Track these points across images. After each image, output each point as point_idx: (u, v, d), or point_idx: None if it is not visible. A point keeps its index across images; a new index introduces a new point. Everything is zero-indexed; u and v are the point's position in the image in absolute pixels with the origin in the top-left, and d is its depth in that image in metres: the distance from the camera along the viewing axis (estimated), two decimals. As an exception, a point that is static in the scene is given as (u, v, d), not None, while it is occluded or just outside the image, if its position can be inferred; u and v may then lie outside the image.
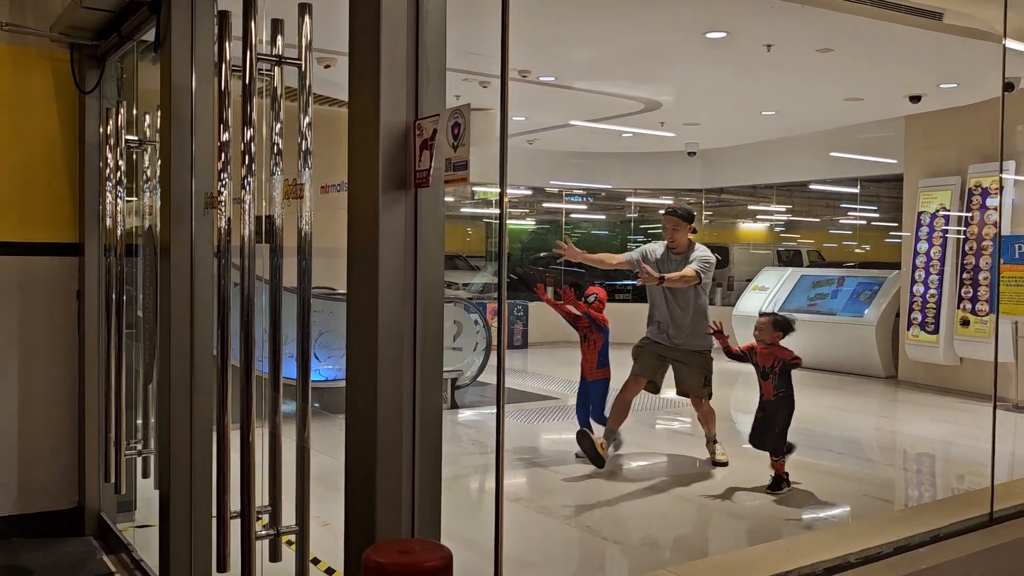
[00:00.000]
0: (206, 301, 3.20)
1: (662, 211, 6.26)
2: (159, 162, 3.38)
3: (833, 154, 11.71)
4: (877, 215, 16.80)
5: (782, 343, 5.46)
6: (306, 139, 2.54)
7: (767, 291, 11.64)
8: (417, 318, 1.86)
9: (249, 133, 2.46)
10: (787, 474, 5.35)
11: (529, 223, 25.61)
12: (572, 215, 18.30)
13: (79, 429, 4.51)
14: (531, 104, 8.95)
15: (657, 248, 6.10)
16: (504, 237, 1.99)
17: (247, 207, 2.45)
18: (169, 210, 3.14)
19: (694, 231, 5.97)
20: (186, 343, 3.17)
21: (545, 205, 18.61)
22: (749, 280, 18.27)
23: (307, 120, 2.54)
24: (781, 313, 5.82)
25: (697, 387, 5.93)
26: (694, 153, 11.59)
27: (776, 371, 5.34)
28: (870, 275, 10.93)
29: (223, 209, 2.67)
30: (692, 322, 5.88)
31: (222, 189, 2.65)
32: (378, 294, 1.79)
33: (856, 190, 14.02)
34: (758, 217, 20.21)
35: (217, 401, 2.79)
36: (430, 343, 1.88)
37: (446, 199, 3.17)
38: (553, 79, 7.59)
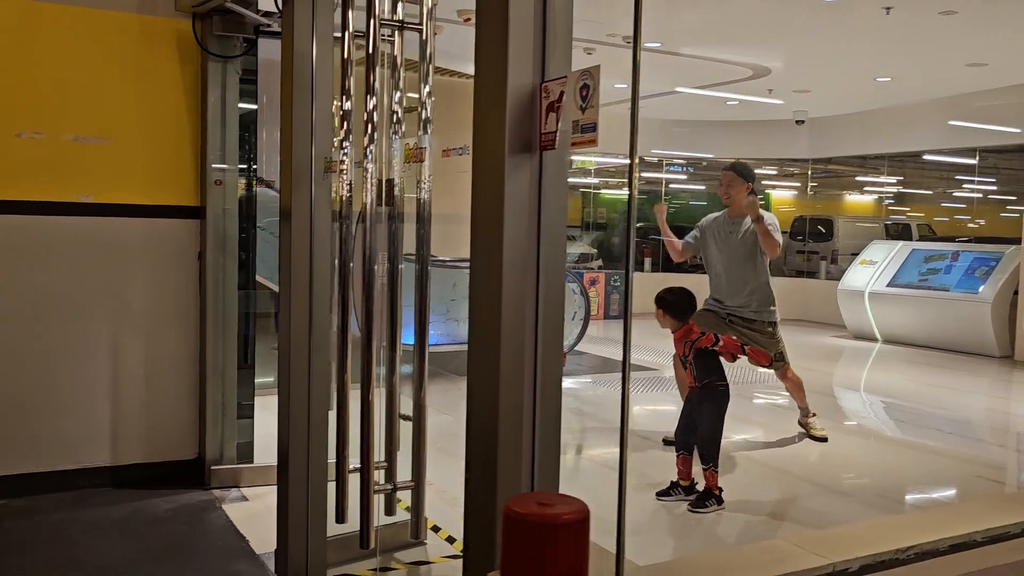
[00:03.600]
0: (324, 263, 3.29)
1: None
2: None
3: (952, 123, 11.17)
4: (995, 187, 16.03)
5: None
6: (426, 107, 2.58)
7: (875, 265, 11.26)
8: (540, 284, 1.87)
9: (373, 101, 2.51)
10: (720, 489, 4.50)
11: (626, 193, 25.40)
12: (672, 185, 18.02)
13: (200, 384, 4.73)
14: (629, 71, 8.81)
15: (713, 217, 5.65)
16: (633, 209, 1.96)
17: (370, 173, 2.51)
18: (290, 174, 3.23)
19: (752, 192, 5.42)
20: (304, 304, 3.26)
21: (644, 175, 18.39)
22: (854, 254, 17.73)
23: (427, 88, 2.58)
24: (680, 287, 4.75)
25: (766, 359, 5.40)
26: (802, 121, 11.26)
27: (690, 358, 4.57)
28: (987, 250, 10.46)
29: (344, 175, 2.73)
30: (751, 292, 5.48)
31: (344, 157, 2.72)
32: (502, 258, 1.82)
33: (974, 161, 13.39)
34: (866, 189, 19.53)
35: (338, 361, 2.88)
36: (552, 310, 1.89)
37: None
38: (659, 45, 7.46)
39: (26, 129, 4.31)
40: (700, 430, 4.52)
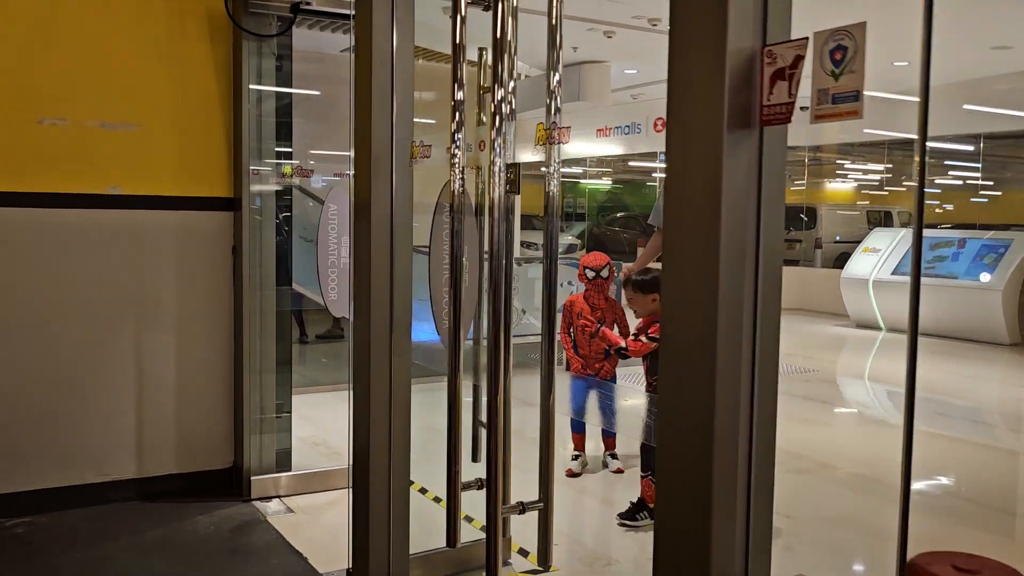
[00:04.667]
0: (405, 256, 3.01)
1: None
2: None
3: (966, 107, 10.99)
4: (979, 174, 16.08)
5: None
6: (555, 94, 2.33)
7: (879, 253, 11.16)
8: (759, 280, 1.62)
9: (501, 92, 2.26)
10: (641, 514, 4.01)
11: (605, 183, 25.20)
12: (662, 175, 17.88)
13: (235, 388, 4.41)
14: (645, 55, 8.58)
15: None
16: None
17: (498, 166, 2.25)
18: (369, 162, 2.94)
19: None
20: (385, 302, 2.99)
21: (632, 164, 18.19)
22: (839, 241, 17.72)
23: (557, 77, 2.34)
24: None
25: None
26: (806, 108, 11.04)
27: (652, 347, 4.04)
28: (994, 237, 10.40)
29: (456, 166, 2.47)
30: None
31: (456, 149, 2.46)
32: (719, 252, 1.56)
33: (970, 148, 13.36)
34: (849, 176, 19.54)
35: (450, 364, 2.61)
36: (770, 310, 1.65)
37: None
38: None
39: (48, 115, 3.96)
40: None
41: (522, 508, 2.36)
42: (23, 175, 3.95)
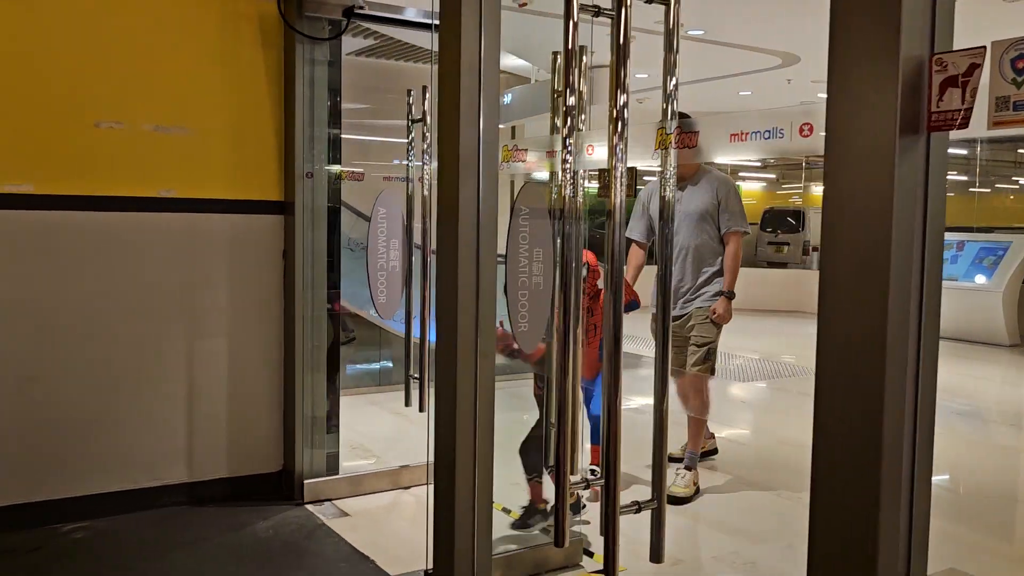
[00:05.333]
0: (490, 259, 3.03)
1: None
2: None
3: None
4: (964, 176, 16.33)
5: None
6: (673, 94, 2.37)
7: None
8: (924, 288, 1.67)
9: (623, 97, 2.30)
10: (546, 502, 3.86)
11: (592, 186, 25.32)
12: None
13: (285, 392, 4.41)
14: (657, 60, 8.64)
15: (651, 190, 4.72)
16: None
17: (619, 171, 2.28)
18: (456, 166, 2.96)
19: None
20: (471, 306, 3.01)
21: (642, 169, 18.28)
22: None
23: (674, 81, 2.38)
24: None
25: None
26: (809, 113, 11.21)
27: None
28: (992, 239, 10.59)
29: (567, 169, 2.50)
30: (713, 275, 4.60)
31: (568, 156, 2.49)
32: (890, 260, 1.61)
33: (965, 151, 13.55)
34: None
35: (560, 367, 2.64)
36: (931, 320, 1.69)
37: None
38: (702, 33, 7.29)
39: (105, 118, 3.95)
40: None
41: (638, 508, 2.39)
42: (79, 178, 3.93)
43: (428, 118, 4.49)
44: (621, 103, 2.33)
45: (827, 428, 1.75)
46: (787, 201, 19.63)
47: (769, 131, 2.04)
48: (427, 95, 4.49)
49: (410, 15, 4.53)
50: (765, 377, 8.66)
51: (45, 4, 3.82)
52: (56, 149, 3.88)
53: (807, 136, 2.02)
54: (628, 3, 2.39)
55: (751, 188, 20.10)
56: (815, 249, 15.75)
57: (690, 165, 4.45)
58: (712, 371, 4.57)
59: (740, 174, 17.73)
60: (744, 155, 2.12)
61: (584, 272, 4.39)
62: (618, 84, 2.34)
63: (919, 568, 1.74)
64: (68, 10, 3.87)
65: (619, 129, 2.31)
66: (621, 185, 2.30)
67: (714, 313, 4.45)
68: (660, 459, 2.41)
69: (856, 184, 1.70)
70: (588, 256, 4.57)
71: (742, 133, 2.12)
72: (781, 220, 17.88)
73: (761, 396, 7.97)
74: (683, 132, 2.25)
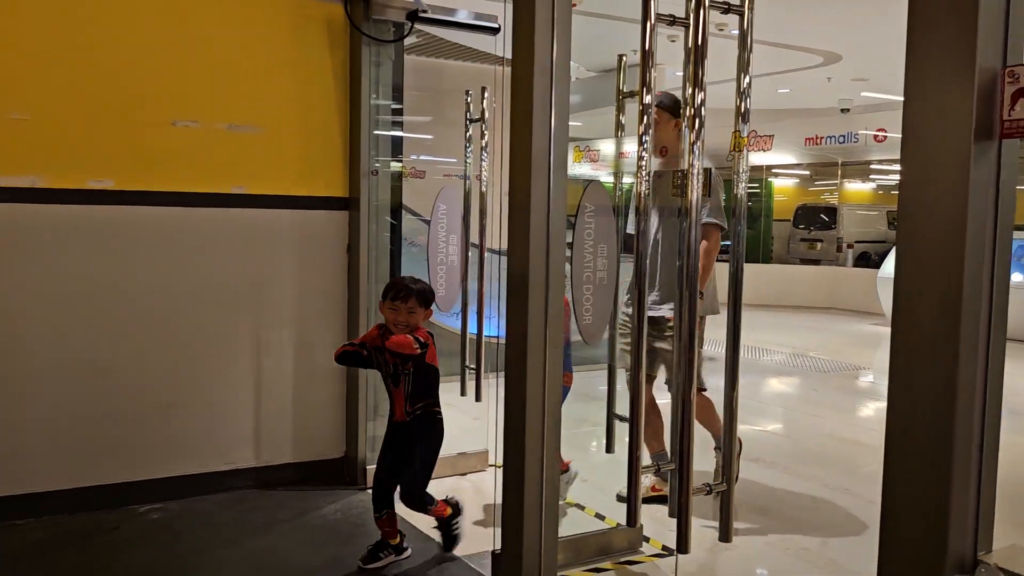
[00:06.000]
0: (559, 254, 3.17)
1: None
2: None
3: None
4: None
5: None
6: (747, 96, 2.50)
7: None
8: (994, 290, 1.80)
9: (701, 95, 2.43)
10: (402, 535, 3.69)
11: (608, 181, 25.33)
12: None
13: (347, 381, 4.59)
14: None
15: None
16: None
17: (696, 169, 2.42)
18: (528, 165, 3.10)
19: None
20: (541, 296, 3.15)
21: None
22: (860, 241, 17.86)
23: (747, 79, 2.51)
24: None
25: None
26: (847, 110, 11.25)
27: (408, 371, 3.55)
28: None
29: (643, 169, 2.65)
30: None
31: (644, 152, 2.64)
32: (963, 264, 1.73)
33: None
34: (870, 178, 19.66)
35: (634, 359, 2.79)
36: (999, 321, 1.82)
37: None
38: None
39: (181, 117, 4.14)
40: (409, 472, 3.58)
41: (709, 490, 2.53)
42: (157, 174, 4.12)
43: (486, 117, 4.65)
44: (699, 101, 2.45)
45: (901, 414, 1.88)
46: (820, 198, 19.54)
47: (843, 136, 2.16)
48: (485, 95, 4.65)
49: (466, 17, 4.68)
50: (800, 372, 8.75)
51: (125, 10, 4.01)
52: (136, 146, 4.07)
53: (881, 142, 2.15)
54: (705, 13, 2.52)
55: (783, 184, 20.05)
56: (849, 246, 15.70)
57: (673, 154, 4.12)
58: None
59: (773, 170, 17.72)
60: (817, 158, 2.24)
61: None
62: (696, 84, 2.47)
63: (985, 542, 1.87)
64: (146, 15, 4.05)
65: (696, 128, 2.44)
66: (698, 183, 2.44)
67: None
68: (729, 445, 2.55)
69: (932, 187, 1.82)
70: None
71: (817, 137, 2.24)
72: (814, 217, 17.84)
73: (797, 391, 8.06)
74: (758, 136, 2.38)
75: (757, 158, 13.60)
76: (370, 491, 4.42)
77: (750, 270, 9.54)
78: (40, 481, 3.98)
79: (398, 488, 3.64)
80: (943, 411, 1.80)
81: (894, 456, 1.90)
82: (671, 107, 4.16)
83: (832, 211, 17.70)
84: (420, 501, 3.60)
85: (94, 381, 4.07)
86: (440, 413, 3.64)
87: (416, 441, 3.58)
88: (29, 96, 3.85)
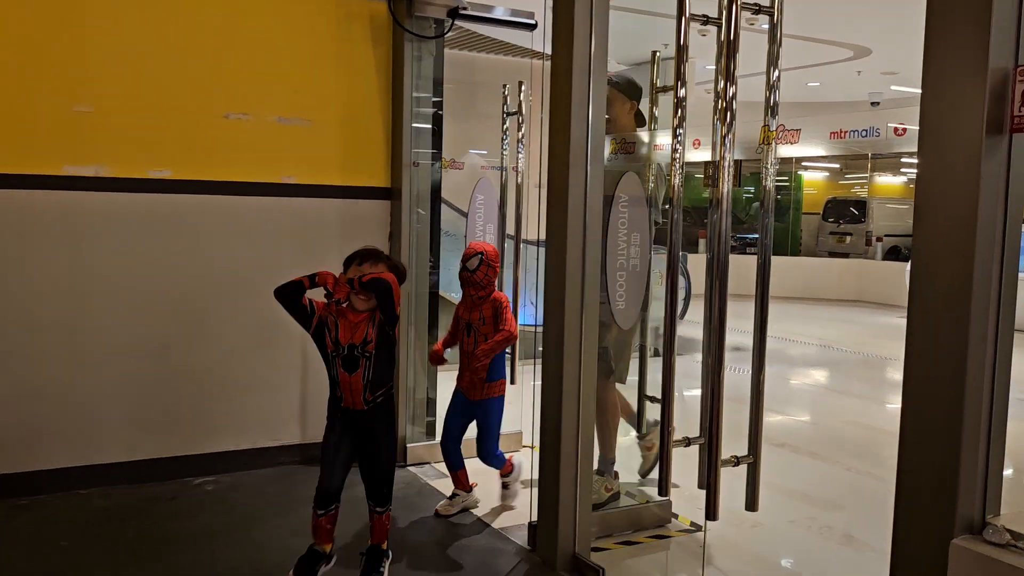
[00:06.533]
0: (595, 242, 3.34)
1: None
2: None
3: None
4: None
5: None
6: (776, 89, 2.65)
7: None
8: (1003, 280, 1.95)
9: (733, 88, 2.58)
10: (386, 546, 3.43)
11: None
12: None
13: (389, 363, 4.78)
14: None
15: None
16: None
17: (727, 161, 2.58)
18: (567, 157, 3.27)
19: (639, 114, 3.91)
20: (578, 282, 3.32)
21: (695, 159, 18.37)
22: (889, 235, 17.80)
23: (777, 72, 2.66)
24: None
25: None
26: (878, 103, 11.28)
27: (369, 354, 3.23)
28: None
29: (677, 162, 2.81)
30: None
31: (678, 145, 2.80)
32: (974, 252, 1.88)
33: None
34: (901, 172, 19.58)
35: (665, 343, 2.95)
36: (1008, 312, 1.97)
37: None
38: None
39: (233, 110, 4.35)
40: (379, 463, 3.29)
41: (736, 461, 2.70)
42: (211, 165, 4.34)
43: (523, 110, 4.82)
44: (730, 95, 2.60)
45: (915, 392, 2.04)
46: (850, 191, 19.45)
47: (867, 130, 2.31)
48: (522, 89, 4.82)
49: (504, 13, 4.85)
50: (827, 363, 8.85)
51: (179, 7, 4.22)
52: (191, 138, 4.29)
53: (901, 135, 2.29)
54: (737, 11, 2.66)
55: (812, 178, 20.00)
56: (879, 240, 15.66)
57: (631, 141, 3.87)
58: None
59: (803, 163, 17.70)
60: (845, 151, 2.39)
61: (477, 263, 3.87)
62: (728, 78, 2.61)
63: (994, 507, 2.03)
64: (198, 12, 4.27)
65: (727, 120, 2.59)
66: (729, 175, 2.60)
67: None
68: (756, 418, 2.71)
69: (946, 177, 1.98)
70: (485, 247, 3.99)
71: (841, 131, 2.39)
72: (843, 210, 17.77)
73: (823, 381, 8.17)
74: (787, 130, 2.54)
75: (786, 150, 13.77)
76: (411, 468, 4.66)
77: (778, 263, 9.64)
78: (104, 454, 4.23)
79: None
80: (954, 385, 1.95)
81: (909, 426, 2.06)
82: (626, 88, 3.90)
83: (862, 204, 17.63)
84: (381, 497, 3.33)
85: (153, 361, 4.30)
86: (393, 393, 3.31)
87: (375, 430, 3.24)
88: (93, 91, 4.07)
